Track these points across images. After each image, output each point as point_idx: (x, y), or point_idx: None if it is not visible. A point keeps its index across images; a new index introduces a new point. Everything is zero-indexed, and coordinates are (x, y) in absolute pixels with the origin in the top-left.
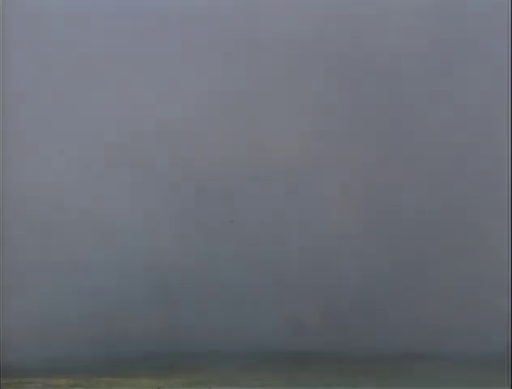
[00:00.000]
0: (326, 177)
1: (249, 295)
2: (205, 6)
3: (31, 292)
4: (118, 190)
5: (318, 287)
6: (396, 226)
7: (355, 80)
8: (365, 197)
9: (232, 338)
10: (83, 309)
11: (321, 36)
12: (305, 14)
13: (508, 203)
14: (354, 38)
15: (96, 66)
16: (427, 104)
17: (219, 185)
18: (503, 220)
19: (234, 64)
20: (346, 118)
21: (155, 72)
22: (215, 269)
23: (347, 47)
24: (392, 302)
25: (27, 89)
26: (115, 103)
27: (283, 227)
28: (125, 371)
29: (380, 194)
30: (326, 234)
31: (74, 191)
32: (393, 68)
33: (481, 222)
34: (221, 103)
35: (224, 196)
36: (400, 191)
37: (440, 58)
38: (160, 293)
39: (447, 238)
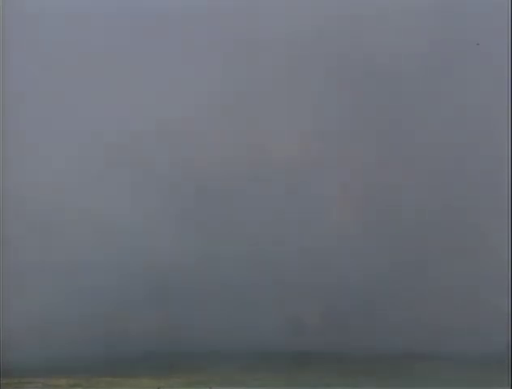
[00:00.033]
0: (326, 177)
1: (249, 295)
2: (205, 6)
3: (31, 292)
4: (118, 190)
5: (318, 287)
6: (396, 226)
7: (355, 80)
8: (365, 197)
9: (232, 338)
10: (83, 309)
11: (321, 36)
12: (305, 14)
13: (508, 203)
14: (354, 38)
15: (96, 66)
16: (427, 104)
17: (219, 185)
18: (503, 220)
19: (234, 64)
20: (346, 118)
21: (155, 72)
22: (215, 269)
23: (347, 47)
24: (392, 302)
25: (27, 89)
26: (115, 103)
27: (283, 227)
28: (125, 371)
29: (380, 194)
30: (326, 234)
31: (74, 191)
32: (393, 68)
33: (481, 222)
34: (221, 103)
35: (224, 196)
36: (400, 191)
37: (440, 58)
38: (159, 293)
39: (447, 238)
